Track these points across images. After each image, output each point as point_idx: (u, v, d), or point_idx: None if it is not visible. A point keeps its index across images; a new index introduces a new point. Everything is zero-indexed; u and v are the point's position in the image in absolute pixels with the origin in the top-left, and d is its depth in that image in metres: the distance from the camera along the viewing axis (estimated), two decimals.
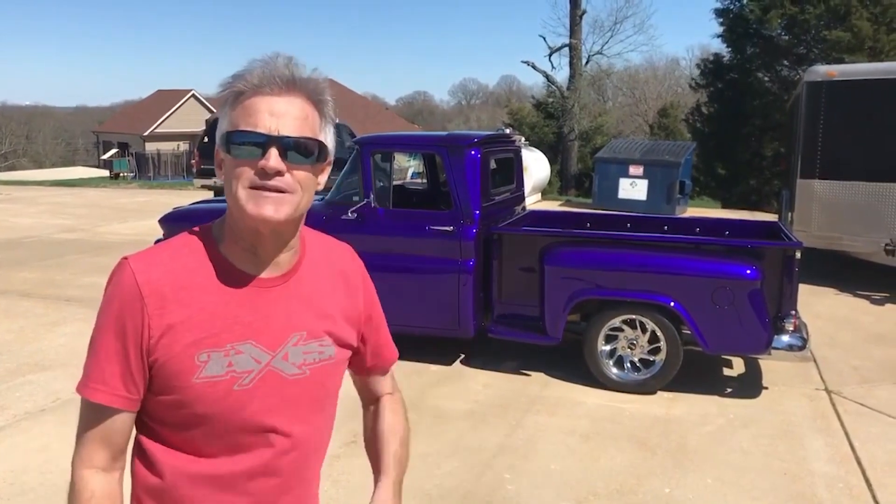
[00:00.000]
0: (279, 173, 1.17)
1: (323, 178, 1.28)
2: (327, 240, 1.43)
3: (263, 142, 1.16)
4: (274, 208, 1.17)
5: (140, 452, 1.28)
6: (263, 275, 1.27)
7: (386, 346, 1.54)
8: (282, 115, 1.17)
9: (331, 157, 1.27)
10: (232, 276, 1.25)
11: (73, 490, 1.24)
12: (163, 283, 1.21)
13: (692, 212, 14.89)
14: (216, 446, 1.25)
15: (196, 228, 1.30)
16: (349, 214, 5.54)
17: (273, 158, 1.16)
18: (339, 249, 1.45)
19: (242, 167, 1.18)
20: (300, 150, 1.19)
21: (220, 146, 1.22)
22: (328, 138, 1.25)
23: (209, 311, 1.21)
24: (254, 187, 1.17)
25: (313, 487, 1.41)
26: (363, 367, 1.51)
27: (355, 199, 5.64)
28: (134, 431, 1.29)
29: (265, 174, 1.16)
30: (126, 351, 1.20)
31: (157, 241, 5.71)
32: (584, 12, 23.23)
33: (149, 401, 1.24)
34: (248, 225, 1.21)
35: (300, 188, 1.20)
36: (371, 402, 1.58)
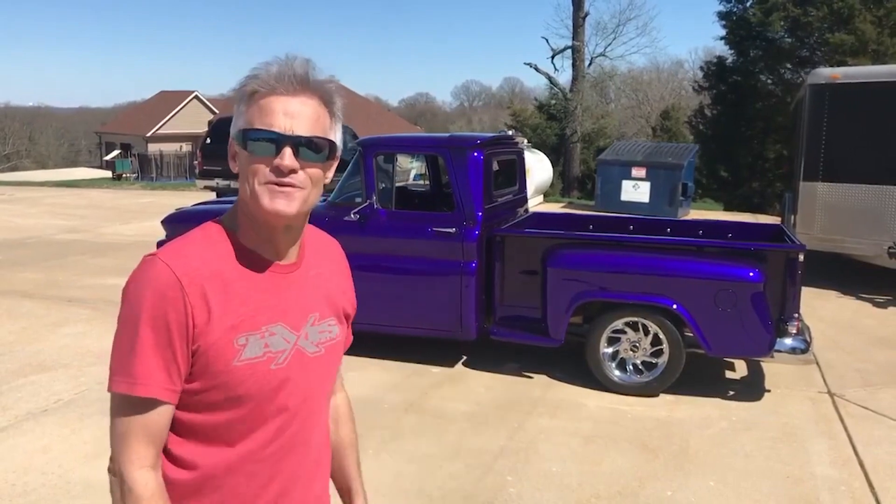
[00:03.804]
0: (293, 171, 1.25)
1: (330, 174, 1.35)
2: (315, 230, 1.50)
3: (278, 140, 1.24)
4: (286, 202, 1.25)
5: (168, 445, 1.30)
6: (281, 261, 1.35)
7: (349, 331, 1.61)
8: (295, 116, 1.25)
9: (339, 154, 1.35)
10: (255, 262, 1.32)
11: (128, 493, 1.22)
12: (199, 273, 1.25)
13: (695, 214, 14.89)
14: (249, 429, 1.30)
15: (208, 223, 1.35)
16: (351, 216, 5.54)
17: (287, 157, 1.24)
18: (327, 238, 1.55)
19: (258, 164, 1.26)
20: (312, 148, 1.27)
21: (235, 141, 1.29)
22: (337, 136, 1.34)
23: (241, 297, 1.28)
24: (268, 183, 1.25)
25: (328, 467, 1.50)
26: None
27: (358, 200, 5.64)
28: None
29: (280, 171, 1.25)
30: (170, 343, 1.22)
31: (160, 242, 5.73)
32: (587, 14, 23.23)
33: (189, 389, 1.27)
34: (263, 219, 1.29)
35: (311, 183, 1.28)
36: None
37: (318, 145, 1.27)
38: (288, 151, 1.23)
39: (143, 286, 1.24)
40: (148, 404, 1.23)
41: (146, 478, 1.23)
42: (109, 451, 1.27)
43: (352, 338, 1.60)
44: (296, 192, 1.26)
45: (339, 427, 1.62)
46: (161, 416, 1.24)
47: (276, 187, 1.25)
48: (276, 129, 1.23)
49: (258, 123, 1.24)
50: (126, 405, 1.23)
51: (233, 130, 1.30)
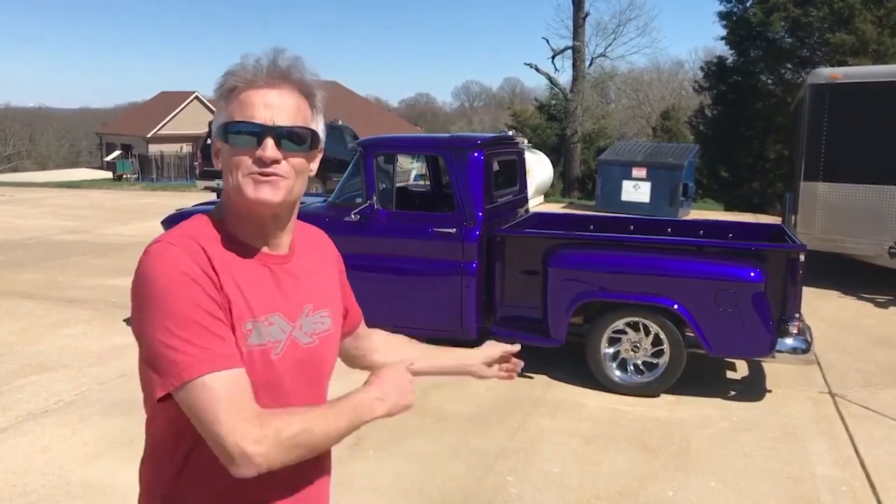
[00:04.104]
0: (276, 161, 1.25)
1: (314, 165, 1.35)
2: (303, 224, 1.50)
3: (259, 131, 1.24)
4: (271, 191, 1.25)
5: (167, 438, 1.29)
6: (274, 253, 1.35)
7: (355, 308, 1.66)
8: (276, 107, 1.25)
9: (322, 145, 1.35)
10: (249, 254, 1.32)
11: (290, 428, 1.18)
12: (209, 256, 1.24)
13: (695, 214, 14.88)
14: None
15: (198, 216, 1.33)
16: (352, 216, 5.54)
17: (269, 148, 1.24)
18: (315, 231, 1.55)
19: (240, 156, 1.25)
20: (294, 139, 1.27)
21: (217, 136, 1.29)
22: (319, 126, 1.33)
23: (245, 285, 1.27)
24: (251, 174, 1.25)
25: (328, 461, 1.47)
26: (346, 331, 1.63)
27: (358, 201, 5.64)
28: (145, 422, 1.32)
29: (262, 163, 1.24)
30: (221, 313, 1.21)
31: None
32: (588, 15, 23.23)
33: None
34: (248, 210, 1.28)
35: (294, 174, 1.28)
36: (368, 345, 1.72)
37: (299, 135, 1.27)
38: (270, 142, 1.23)
39: (168, 270, 1.19)
40: (239, 375, 1.20)
41: (278, 410, 1.21)
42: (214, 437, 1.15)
43: (360, 313, 1.67)
44: (280, 181, 1.25)
45: (394, 339, 1.75)
46: (248, 380, 1.21)
47: (260, 177, 1.24)
48: (258, 121, 1.23)
49: (239, 116, 1.25)
50: (222, 382, 1.16)
51: (214, 128, 1.30)
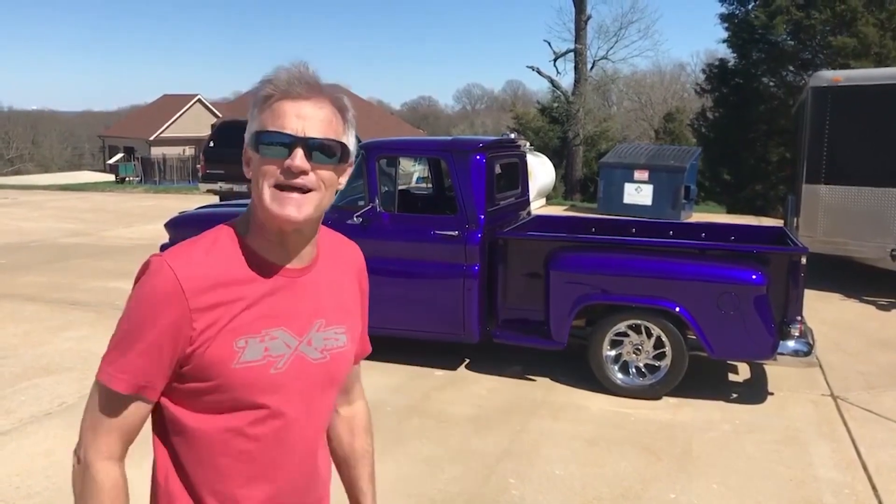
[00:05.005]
0: (304, 172, 1.24)
1: (344, 179, 1.35)
2: (336, 235, 1.51)
3: (290, 142, 1.24)
4: (296, 209, 1.25)
5: (168, 445, 1.32)
6: (290, 265, 1.34)
7: (364, 337, 1.60)
8: (308, 118, 1.25)
9: (352, 159, 1.35)
10: (263, 266, 1.31)
11: (90, 482, 1.27)
12: (202, 278, 1.25)
13: (697, 217, 14.86)
14: (246, 432, 1.29)
15: (221, 225, 1.35)
16: (354, 219, 5.55)
17: (299, 158, 1.23)
18: (346, 244, 1.53)
19: (269, 166, 1.25)
20: (324, 151, 1.27)
21: (248, 145, 1.29)
22: (350, 141, 1.33)
23: (246, 301, 1.27)
24: (279, 186, 1.25)
25: (328, 477, 1.49)
26: None
27: (360, 203, 5.65)
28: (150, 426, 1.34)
29: (291, 173, 1.24)
30: (162, 345, 1.23)
31: (163, 246, 5.74)
32: (590, 17, 23.29)
33: (184, 390, 1.28)
34: (272, 223, 1.28)
35: (323, 186, 1.28)
36: (342, 402, 1.60)
37: (329, 148, 1.27)
38: (299, 153, 1.23)
39: (149, 288, 1.25)
40: (124, 400, 1.25)
41: (110, 469, 1.26)
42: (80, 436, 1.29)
43: (369, 348, 1.60)
44: (307, 196, 1.25)
45: (353, 437, 1.62)
46: (134, 413, 1.27)
47: (286, 193, 1.24)
48: (289, 132, 1.23)
49: (271, 126, 1.24)
50: (104, 396, 1.26)
51: (246, 136, 1.30)
